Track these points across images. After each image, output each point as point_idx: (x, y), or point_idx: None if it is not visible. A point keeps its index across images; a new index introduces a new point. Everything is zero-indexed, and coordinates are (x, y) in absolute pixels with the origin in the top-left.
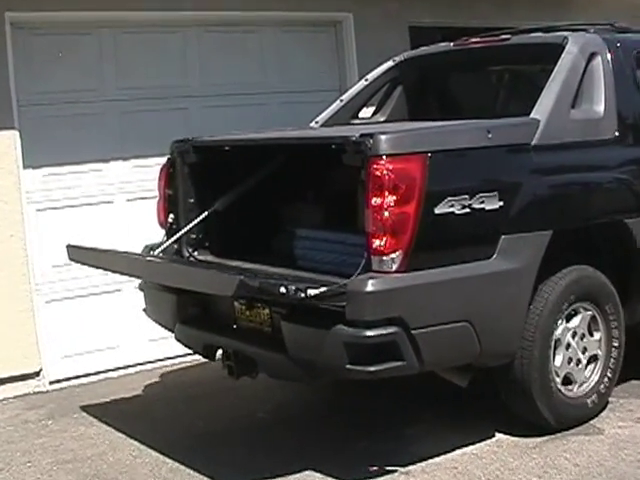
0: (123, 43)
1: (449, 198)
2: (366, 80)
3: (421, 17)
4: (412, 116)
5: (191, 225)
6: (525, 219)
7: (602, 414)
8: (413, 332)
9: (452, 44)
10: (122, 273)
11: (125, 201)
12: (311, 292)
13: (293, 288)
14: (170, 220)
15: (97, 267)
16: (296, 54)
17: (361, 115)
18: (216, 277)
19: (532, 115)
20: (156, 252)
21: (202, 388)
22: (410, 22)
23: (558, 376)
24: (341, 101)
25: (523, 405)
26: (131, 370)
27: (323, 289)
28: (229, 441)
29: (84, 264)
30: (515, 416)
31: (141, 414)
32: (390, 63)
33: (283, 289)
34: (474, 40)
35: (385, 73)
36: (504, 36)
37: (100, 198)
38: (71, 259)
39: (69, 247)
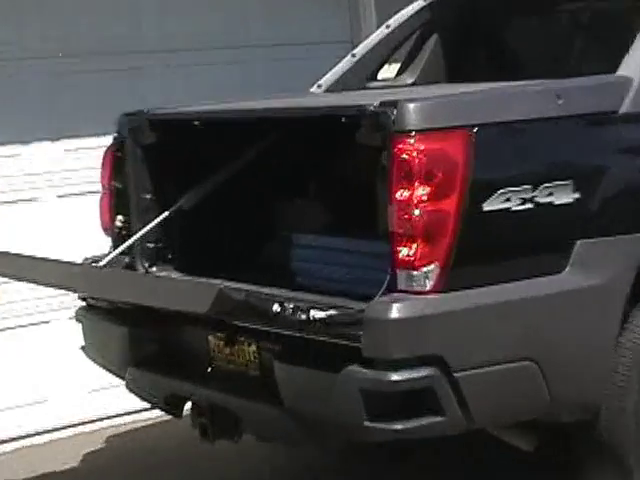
0: None
1: (503, 190)
2: (387, 27)
3: None
4: (451, 76)
5: (147, 229)
6: (611, 217)
7: None
8: (456, 375)
9: None
10: (57, 286)
11: (55, 197)
12: (315, 314)
13: (291, 307)
14: (119, 224)
15: (21, 279)
16: None
17: (381, 76)
18: (185, 287)
19: (620, 72)
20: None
21: (165, 456)
22: None
23: None
24: (353, 57)
25: (614, 477)
26: (64, 433)
27: (332, 312)
28: None
29: (3, 275)
30: None
31: None
32: (421, 3)
33: (277, 307)
34: None
35: (414, 17)
36: None
37: (19, 195)
38: None
39: None
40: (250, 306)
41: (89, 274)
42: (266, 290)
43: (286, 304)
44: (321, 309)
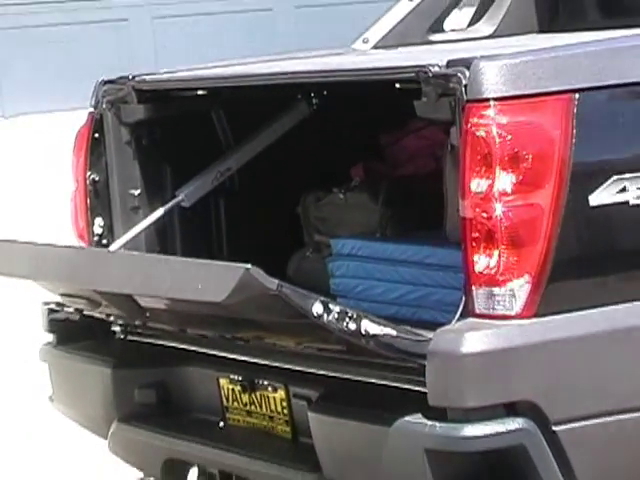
0: None
1: (618, 176)
2: None
3: None
4: (545, 25)
5: (134, 234)
6: None
7: None
8: (556, 429)
9: None
10: (20, 276)
11: None
12: (368, 327)
13: (337, 310)
14: (98, 229)
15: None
16: None
17: (448, 26)
18: (200, 268)
19: None
20: None
21: None
22: None
23: None
24: (410, 0)
25: None
26: None
27: (389, 330)
28: None
29: None
30: None
31: None
32: None
33: (320, 307)
34: None
35: None
36: None
37: None
38: None
39: None
40: (284, 301)
41: (72, 258)
42: None
43: (331, 306)
44: (377, 323)
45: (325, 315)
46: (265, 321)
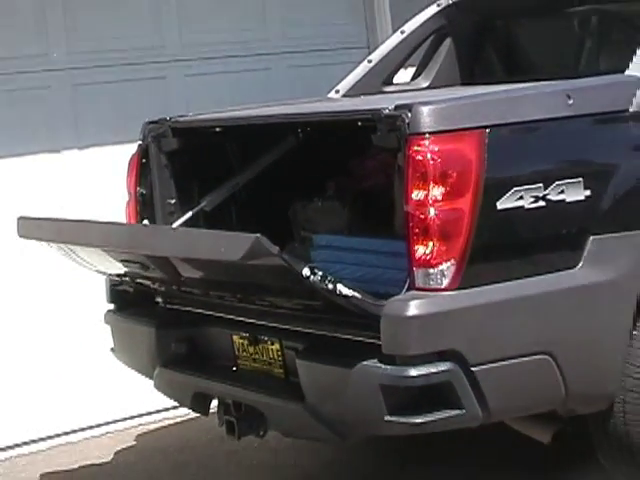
0: None
1: (517, 188)
2: (402, 32)
3: None
4: (466, 79)
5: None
6: (622, 213)
7: None
8: (474, 369)
9: None
10: (94, 245)
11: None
12: (342, 289)
13: (320, 274)
14: None
15: (58, 242)
16: (307, 2)
17: (397, 80)
18: (221, 236)
19: (629, 72)
20: None
21: (194, 453)
22: None
23: None
24: (369, 62)
25: (630, 468)
26: (96, 432)
27: (356, 294)
28: None
29: (41, 240)
30: None
31: None
32: (434, 8)
33: (308, 270)
34: None
35: (428, 22)
36: None
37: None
38: (21, 235)
39: (20, 219)
40: (283, 263)
41: (132, 231)
42: None
43: (316, 270)
44: (348, 287)
45: (312, 276)
46: (267, 282)
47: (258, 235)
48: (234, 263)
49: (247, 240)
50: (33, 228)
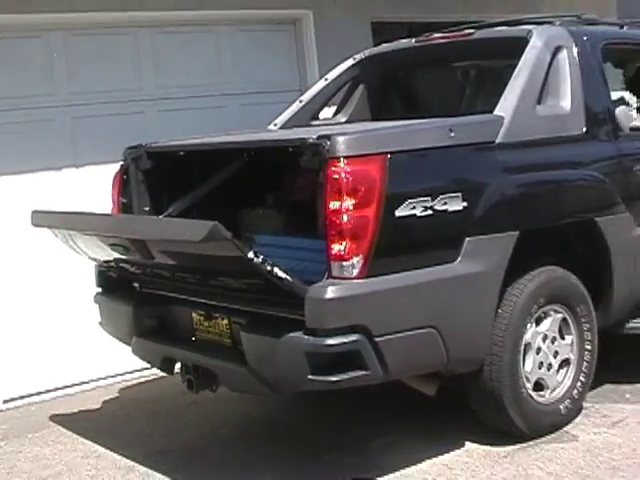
0: (74, 45)
1: (410, 200)
2: (326, 79)
3: (384, 12)
4: (375, 116)
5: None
6: (490, 220)
7: (576, 420)
8: (376, 340)
9: (414, 40)
10: (86, 232)
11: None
12: (278, 272)
13: (262, 257)
14: None
15: (63, 228)
16: (254, 54)
17: (322, 116)
18: (185, 222)
19: (496, 112)
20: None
21: (163, 404)
22: (373, 18)
23: (529, 382)
24: (300, 102)
25: (494, 413)
26: (87, 386)
27: (289, 278)
28: (194, 458)
29: (50, 227)
30: (486, 424)
31: (99, 432)
32: (351, 61)
33: (252, 254)
34: (437, 36)
35: (346, 72)
36: (468, 31)
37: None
38: (35, 224)
39: (34, 212)
40: (233, 245)
41: (118, 219)
42: None
43: (259, 254)
44: (283, 271)
45: (255, 259)
46: (219, 267)
47: (216, 222)
48: (195, 246)
49: (207, 225)
50: (44, 218)
